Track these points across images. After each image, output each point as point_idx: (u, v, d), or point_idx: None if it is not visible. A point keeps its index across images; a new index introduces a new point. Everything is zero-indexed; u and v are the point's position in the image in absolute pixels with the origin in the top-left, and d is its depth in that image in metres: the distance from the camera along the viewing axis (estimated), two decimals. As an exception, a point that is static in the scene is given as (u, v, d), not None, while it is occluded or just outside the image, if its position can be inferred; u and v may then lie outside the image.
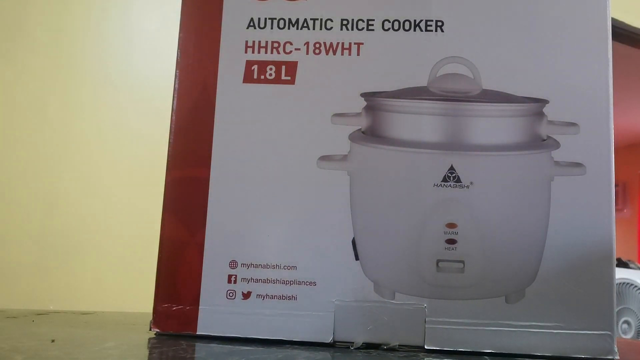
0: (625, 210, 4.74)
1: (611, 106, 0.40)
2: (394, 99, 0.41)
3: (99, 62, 1.58)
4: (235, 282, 0.41)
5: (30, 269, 1.45)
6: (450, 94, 0.41)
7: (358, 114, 0.41)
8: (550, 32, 0.41)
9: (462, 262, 0.40)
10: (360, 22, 0.42)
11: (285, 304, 0.40)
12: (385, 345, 0.39)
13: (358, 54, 0.42)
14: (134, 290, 1.10)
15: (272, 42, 0.43)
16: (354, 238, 0.40)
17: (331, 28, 0.43)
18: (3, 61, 1.49)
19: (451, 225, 0.40)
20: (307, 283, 0.40)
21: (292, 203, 0.41)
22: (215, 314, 0.41)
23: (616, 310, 0.39)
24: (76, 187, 1.51)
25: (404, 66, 0.41)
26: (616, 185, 0.40)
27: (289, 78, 0.42)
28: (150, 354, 0.35)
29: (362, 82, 0.42)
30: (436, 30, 0.42)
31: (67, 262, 1.48)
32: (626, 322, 2.52)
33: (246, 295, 0.41)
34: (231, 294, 0.41)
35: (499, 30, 0.41)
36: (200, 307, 0.41)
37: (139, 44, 1.61)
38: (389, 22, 0.42)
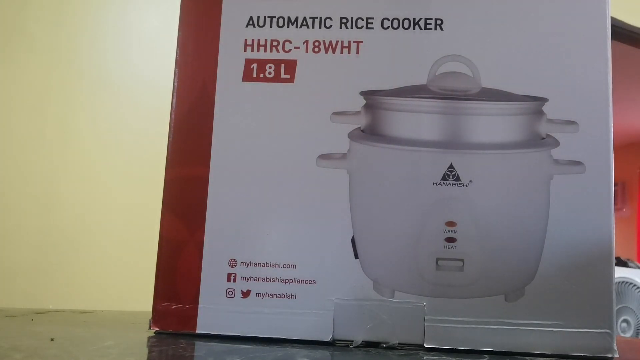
0: (624, 209, 4.75)
1: (611, 105, 0.40)
2: (393, 98, 0.41)
3: (98, 60, 1.58)
4: (234, 280, 0.41)
5: (29, 268, 1.45)
6: (449, 92, 0.41)
7: (357, 113, 0.41)
8: (550, 31, 0.41)
9: (462, 260, 0.40)
10: (359, 20, 0.42)
11: (285, 302, 0.40)
12: (384, 343, 0.39)
13: (357, 53, 0.42)
14: (134, 289, 1.10)
15: (272, 41, 0.43)
16: (353, 236, 0.40)
17: (330, 26, 0.43)
18: (1, 60, 1.48)
19: (450, 224, 0.40)
20: (306, 282, 0.40)
21: (291, 201, 0.41)
22: (215, 312, 0.41)
23: (615, 309, 0.39)
24: (75, 186, 1.51)
25: (404, 64, 0.41)
26: (615, 184, 0.40)
27: (288, 76, 0.42)
28: (149, 352, 0.35)
29: (362, 81, 0.41)
30: (435, 29, 0.42)
31: (66, 261, 1.48)
32: (625, 321, 2.52)
33: (245, 294, 0.41)
34: (231, 293, 0.41)
35: (499, 29, 0.41)
36: (199, 305, 0.41)
37: (138, 42, 1.61)
38: (389, 20, 0.42)
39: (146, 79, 1.58)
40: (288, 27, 0.43)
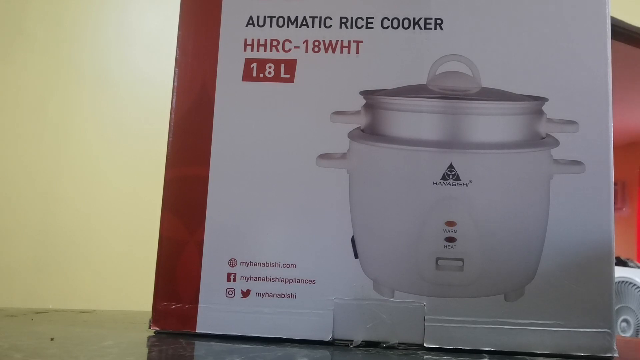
0: (624, 209, 4.75)
1: (610, 104, 0.40)
2: (393, 97, 0.41)
3: (98, 60, 1.58)
4: (234, 280, 0.41)
5: (29, 267, 1.45)
6: (449, 92, 0.41)
7: (357, 112, 0.41)
8: (549, 30, 0.41)
9: (462, 260, 0.40)
10: (359, 20, 0.42)
11: (285, 302, 0.40)
12: (384, 343, 0.39)
13: (357, 52, 0.42)
14: (133, 289, 1.10)
15: (271, 40, 0.43)
16: (353, 236, 0.40)
17: (330, 26, 0.43)
18: (2, 60, 1.48)
19: (450, 224, 0.40)
20: (306, 281, 0.40)
21: (291, 201, 0.41)
22: (215, 312, 0.41)
23: (615, 308, 0.39)
24: (75, 186, 1.51)
25: (403, 64, 0.41)
26: (615, 184, 0.40)
27: (288, 76, 0.42)
28: (149, 352, 0.35)
29: (361, 80, 0.41)
30: (435, 28, 0.42)
31: (66, 260, 1.48)
32: (625, 320, 2.52)
33: (245, 294, 0.41)
34: (230, 292, 0.41)
35: (499, 28, 0.41)
36: (199, 305, 0.41)
37: (138, 42, 1.61)
38: (388, 20, 0.42)
39: (146, 78, 1.58)
40: (288, 26, 0.43)
